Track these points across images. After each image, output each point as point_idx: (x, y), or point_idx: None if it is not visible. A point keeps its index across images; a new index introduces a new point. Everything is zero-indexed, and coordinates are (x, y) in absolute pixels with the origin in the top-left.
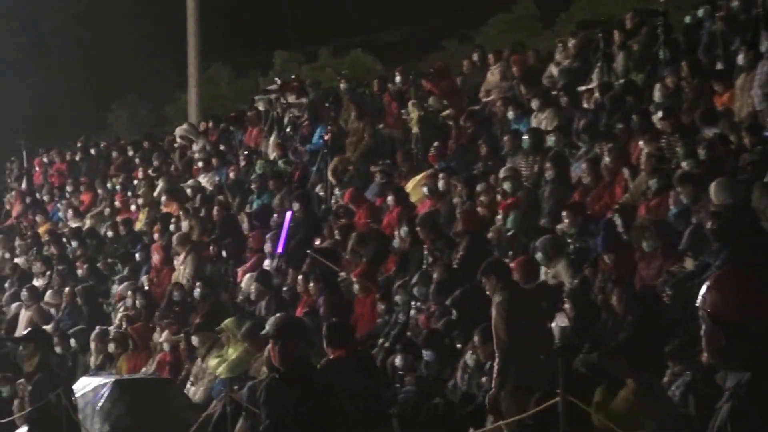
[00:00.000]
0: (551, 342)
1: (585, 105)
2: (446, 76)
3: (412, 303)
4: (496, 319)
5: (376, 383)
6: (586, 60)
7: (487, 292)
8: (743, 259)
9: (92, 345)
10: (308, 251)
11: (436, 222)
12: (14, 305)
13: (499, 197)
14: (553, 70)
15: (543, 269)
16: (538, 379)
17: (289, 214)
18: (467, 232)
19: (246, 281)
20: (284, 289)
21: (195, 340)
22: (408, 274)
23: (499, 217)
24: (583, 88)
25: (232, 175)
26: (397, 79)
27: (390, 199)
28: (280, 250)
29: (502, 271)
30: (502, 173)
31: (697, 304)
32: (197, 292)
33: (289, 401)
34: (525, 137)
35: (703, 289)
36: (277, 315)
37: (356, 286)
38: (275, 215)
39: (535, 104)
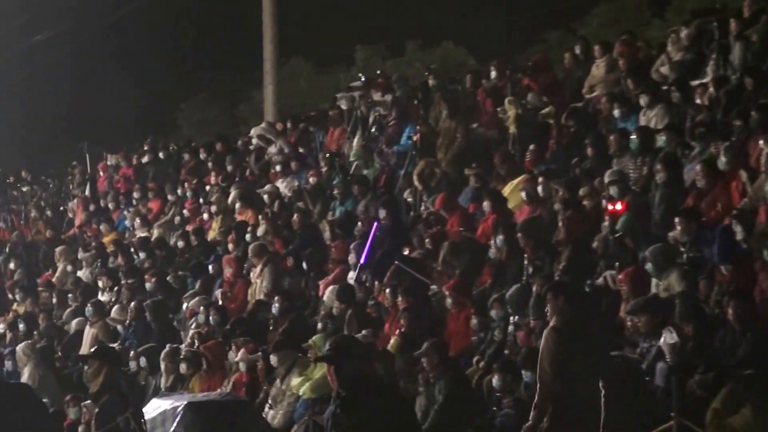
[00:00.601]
0: (607, 379)
1: (698, 101)
2: (546, 71)
3: (510, 318)
4: (543, 347)
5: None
6: (699, 52)
7: (546, 310)
8: None
9: (162, 365)
10: (395, 261)
11: (538, 229)
12: (74, 321)
13: (604, 202)
14: (664, 63)
15: (654, 281)
16: (581, 416)
17: (375, 224)
18: (570, 240)
19: (328, 295)
20: (370, 303)
21: (274, 359)
22: (505, 287)
23: (606, 224)
24: (696, 82)
25: (312, 179)
26: (492, 74)
27: (485, 205)
28: (362, 261)
29: (571, 294)
30: (607, 176)
31: None
32: (276, 307)
33: (352, 428)
34: (633, 137)
35: None
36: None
37: (449, 300)
38: (359, 223)
39: (643, 100)
